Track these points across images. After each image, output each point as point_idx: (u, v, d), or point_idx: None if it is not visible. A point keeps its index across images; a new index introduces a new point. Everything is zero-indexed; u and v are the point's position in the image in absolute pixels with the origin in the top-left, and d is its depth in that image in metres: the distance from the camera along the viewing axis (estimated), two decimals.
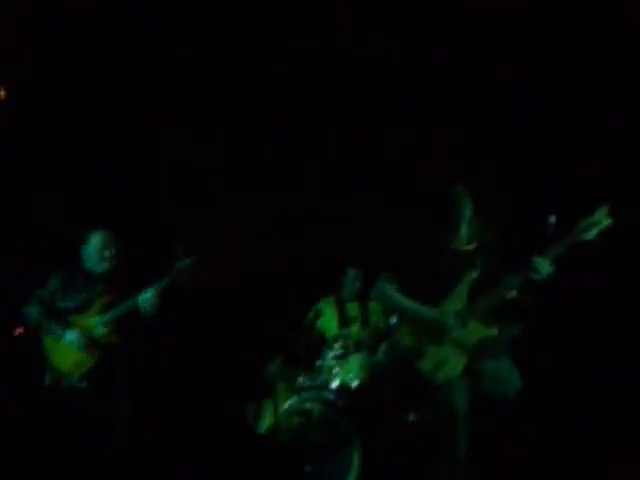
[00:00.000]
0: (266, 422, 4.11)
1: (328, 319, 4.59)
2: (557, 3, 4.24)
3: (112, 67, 4.69)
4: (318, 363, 4.30)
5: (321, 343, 4.46)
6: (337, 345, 4.26)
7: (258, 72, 4.83)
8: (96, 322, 3.74)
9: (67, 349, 3.70)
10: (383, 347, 4.24)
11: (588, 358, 4.16)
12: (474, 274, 3.19)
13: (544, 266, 3.00)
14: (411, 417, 4.01)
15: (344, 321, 4.55)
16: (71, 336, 3.70)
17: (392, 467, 3.89)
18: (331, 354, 4.25)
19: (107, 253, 3.77)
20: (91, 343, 3.71)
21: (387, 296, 3.35)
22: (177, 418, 4.43)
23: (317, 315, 4.57)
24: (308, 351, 4.49)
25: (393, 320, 3.88)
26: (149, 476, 3.94)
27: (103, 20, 4.36)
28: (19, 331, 4.54)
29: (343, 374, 4.19)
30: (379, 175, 4.99)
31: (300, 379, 4.23)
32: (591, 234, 3.00)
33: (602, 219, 3.01)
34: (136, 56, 4.66)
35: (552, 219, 3.07)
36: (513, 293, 3.13)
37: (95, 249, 3.78)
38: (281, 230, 5.07)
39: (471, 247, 3.29)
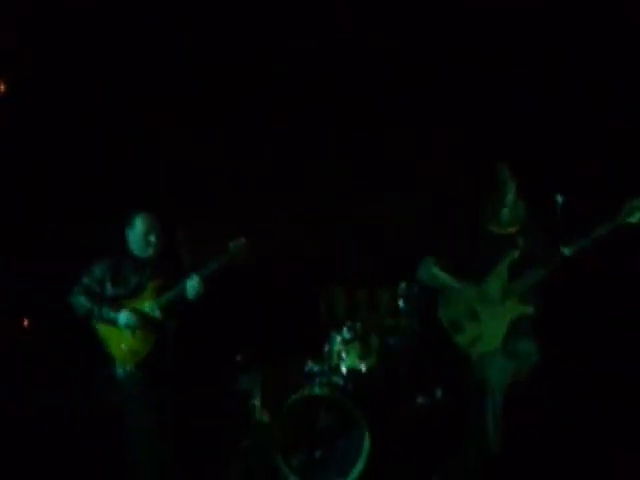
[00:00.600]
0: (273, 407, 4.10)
1: (337, 304, 4.62)
2: (557, 3, 4.27)
3: (111, 66, 4.70)
4: (326, 348, 4.28)
5: (329, 328, 4.45)
6: (345, 329, 4.24)
7: (258, 72, 4.83)
8: (151, 306, 3.67)
9: (121, 335, 3.65)
10: (392, 331, 4.30)
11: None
12: (514, 254, 3.35)
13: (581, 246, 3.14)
14: (420, 400, 4.07)
15: (353, 306, 4.58)
16: (125, 319, 3.63)
17: (402, 451, 3.92)
18: (339, 338, 4.23)
19: (152, 238, 3.69)
20: (147, 328, 3.66)
21: (432, 274, 3.53)
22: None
23: (326, 300, 4.62)
24: (316, 336, 4.49)
25: (401, 304, 4.09)
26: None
27: (103, 20, 4.37)
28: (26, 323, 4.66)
29: (351, 358, 4.18)
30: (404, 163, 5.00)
31: (309, 364, 4.24)
32: (635, 217, 3.12)
33: None
34: (136, 55, 4.67)
35: (560, 199, 3.23)
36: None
37: (140, 233, 3.70)
38: (294, 218, 5.05)
39: (512, 229, 3.43)
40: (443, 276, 3.48)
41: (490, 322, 3.36)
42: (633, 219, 3.14)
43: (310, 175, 5.01)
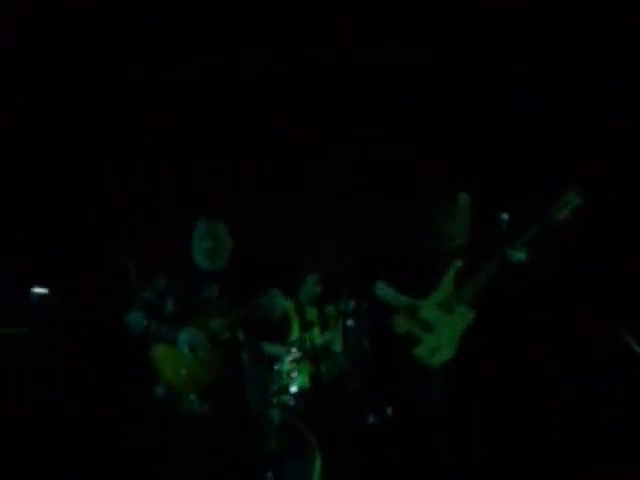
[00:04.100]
0: None
1: (289, 321, 4.55)
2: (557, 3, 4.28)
3: (110, 67, 4.71)
4: (277, 367, 4.20)
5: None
6: (294, 349, 4.20)
7: (258, 72, 4.84)
8: (218, 325, 3.21)
9: (182, 359, 3.15)
10: (341, 350, 4.29)
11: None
12: (458, 264, 3.48)
13: (517, 253, 3.25)
14: (371, 420, 4.06)
15: (304, 325, 4.52)
16: (187, 336, 3.14)
17: (353, 472, 3.88)
18: (289, 358, 4.18)
19: (207, 243, 3.26)
20: (213, 350, 3.17)
21: (386, 295, 3.61)
22: None
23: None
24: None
25: (350, 323, 4.20)
26: None
27: (101, 20, 4.37)
28: None
29: (301, 378, 4.12)
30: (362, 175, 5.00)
31: None
32: (563, 214, 3.20)
33: (572, 200, 3.21)
34: (132, 54, 4.66)
35: (505, 216, 3.31)
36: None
37: (196, 238, 3.31)
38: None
39: (456, 242, 3.55)
40: (395, 294, 3.57)
41: (445, 331, 3.45)
42: (561, 216, 3.22)
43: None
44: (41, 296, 4.97)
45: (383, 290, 3.62)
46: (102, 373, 4.50)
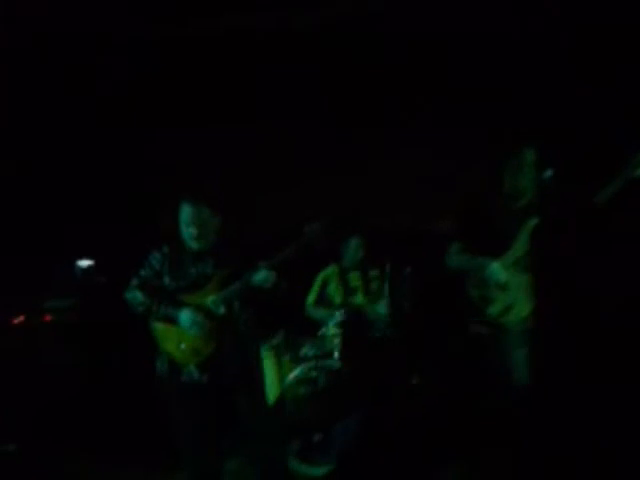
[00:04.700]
0: (272, 393, 4.07)
1: (333, 288, 4.59)
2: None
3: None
4: (321, 332, 4.29)
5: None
6: (338, 313, 4.23)
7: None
8: (215, 300, 3.28)
9: (181, 334, 3.25)
10: (385, 314, 4.29)
11: None
12: (533, 222, 3.45)
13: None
14: (415, 381, 4.07)
15: (347, 290, 4.53)
16: (187, 317, 3.23)
17: (397, 434, 3.90)
18: (333, 322, 4.23)
19: (193, 230, 3.28)
20: (210, 324, 3.25)
21: (460, 259, 3.61)
22: None
23: (324, 284, 4.61)
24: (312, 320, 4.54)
25: (393, 287, 4.22)
26: None
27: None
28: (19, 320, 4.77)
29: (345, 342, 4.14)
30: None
31: (304, 349, 4.23)
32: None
33: None
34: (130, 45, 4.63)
35: (549, 172, 3.33)
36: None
37: (182, 224, 3.32)
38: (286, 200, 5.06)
39: (525, 199, 3.51)
40: (469, 258, 3.55)
41: (519, 291, 3.46)
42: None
43: (312, 156, 5.01)
44: (87, 268, 5.18)
45: (456, 254, 3.61)
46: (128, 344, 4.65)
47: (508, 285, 3.44)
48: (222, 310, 3.27)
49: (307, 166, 5.12)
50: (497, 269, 3.41)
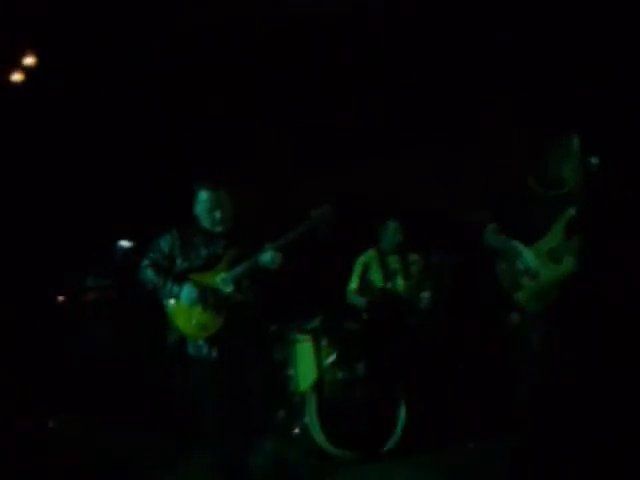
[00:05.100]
0: (310, 377, 4.12)
1: (373, 272, 4.62)
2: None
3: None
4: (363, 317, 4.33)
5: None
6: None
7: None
8: (224, 279, 3.40)
9: (191, 310, 3.37)
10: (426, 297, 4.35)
11: None
12: (571, 213, 3.41)
13: None
14: (460, 366, 4.12)
15: (387, 273, 4.55)
16: (187, 294, 3.36)
17: (438, 419, 3.94)
18: None
19: (218, 214, 3.43)
20: (218, 302, 3.38)
21: (495, 239, 3.60)
22: None
23: (365, 269, 4.64)
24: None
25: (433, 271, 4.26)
26: None
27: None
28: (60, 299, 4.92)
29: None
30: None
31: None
32: None
33: None
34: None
35: (595, 160, 3.30)
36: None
37: (205, 210, 3.44)
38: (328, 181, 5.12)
39: (566, 188, 3.48)
40: (505, 239, 3.54)
41: (548, 280, 3.43)
42: None
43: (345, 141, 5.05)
44: (127, 249, 5.28)
45: (493, 233, 3.59)
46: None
47: (539, 274, 3.42)
48: (230, 288, 3.38)
49: (344, 152, 5.18)
50: (530, 256, 3.42)
